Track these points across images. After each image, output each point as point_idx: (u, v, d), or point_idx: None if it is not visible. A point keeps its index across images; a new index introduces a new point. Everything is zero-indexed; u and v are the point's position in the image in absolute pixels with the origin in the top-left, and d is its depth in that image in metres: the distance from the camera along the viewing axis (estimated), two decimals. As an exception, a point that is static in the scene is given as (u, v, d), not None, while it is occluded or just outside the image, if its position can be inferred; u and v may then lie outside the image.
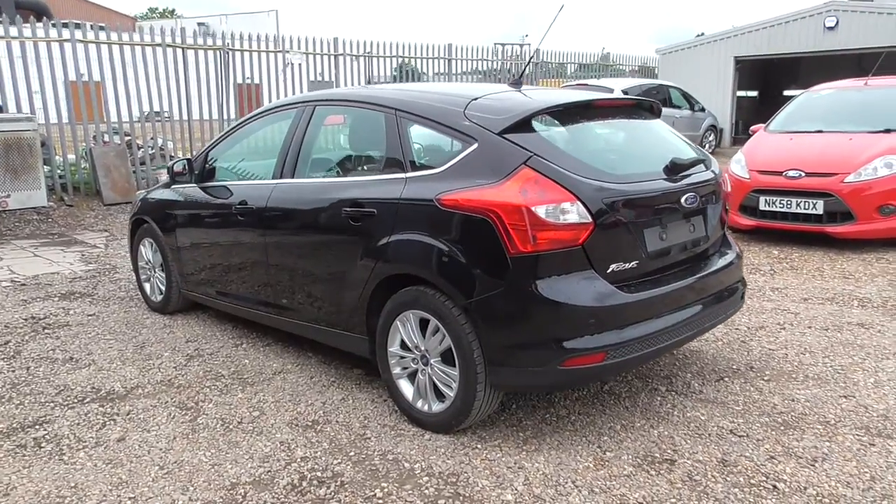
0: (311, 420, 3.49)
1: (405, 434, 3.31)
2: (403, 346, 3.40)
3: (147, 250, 5.29)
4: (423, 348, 3.29)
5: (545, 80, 17.36)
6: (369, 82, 13.67)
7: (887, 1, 16.01)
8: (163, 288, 5.18)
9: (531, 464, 2.97)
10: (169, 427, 3.44)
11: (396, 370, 3.45)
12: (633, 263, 3.12)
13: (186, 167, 4.65)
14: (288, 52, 12.47)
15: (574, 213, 2.90)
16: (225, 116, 11.91)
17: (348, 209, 3.51)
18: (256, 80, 11.92)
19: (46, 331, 4.92)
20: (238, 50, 11.90)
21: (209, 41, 11.67)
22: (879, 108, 7.38)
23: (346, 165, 3.97)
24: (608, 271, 3.02)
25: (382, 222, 3.35)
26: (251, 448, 3.20)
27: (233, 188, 4.38)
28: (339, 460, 3.07)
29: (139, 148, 11.20)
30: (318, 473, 2.96)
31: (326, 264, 3.71)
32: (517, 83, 3.78)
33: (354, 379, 3.98)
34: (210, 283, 4.72)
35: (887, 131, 6.96)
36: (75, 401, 3.77)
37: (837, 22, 15.87)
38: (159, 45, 10.90)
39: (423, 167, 3.34)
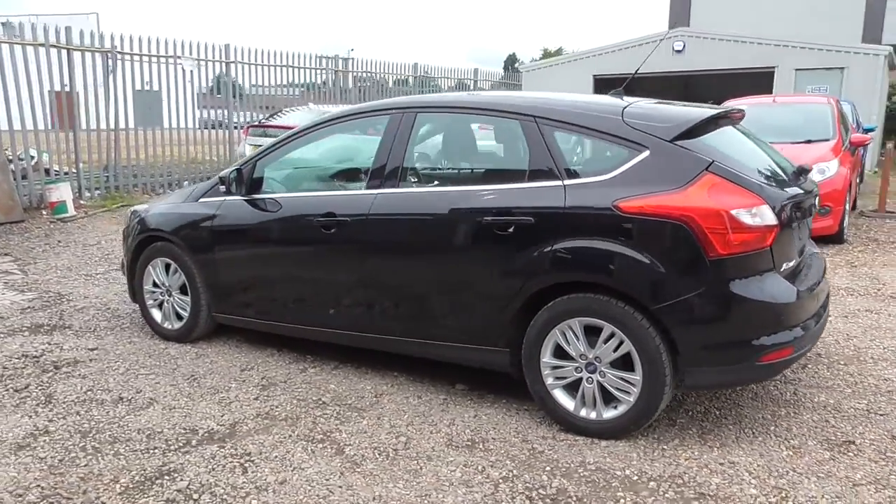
0: (468, 439, 3.34)
1: (575, 443, 3.27)
2: (559, 355, 3.36)
3: (159, 272, 4.72)
4: (590, 356, 3.27)
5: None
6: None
7: (726, 29, 18.07)
8: (185, 313, 4.65)
9: (738, 458, 3.08)
10: (322, 463, 3.13)
11: (550, 381, 3.40)
12: (794, 262, 3.34)
13: (235, 177, 4.23)
14: (180, 57, 11.62)
15: (765, 215, 3.05)
16: (120, 125, 10.84)
17: (493, 218, 3.41)
18: (156, 87, 10.99)
19: (61, 370, 4.23)
20: (128, 53, 10.88)
21: (97, 42, 10.56)
22: (792, 121, 8.35)
23: (472, 174, 3.84)
24: (782, 270, 3.21)
25: (542, 231, 3.30)
26: (439, 474, 3.01)
27: (309, 199, 4.07)
28: (545, 476, 2.98)
29: (9, 161, 9.86)
30: (542, 491, 2.86)
31: (457, 276, 3.57)
32: (619, 93, 3.88)
33: (465, 395, 3.85)
34: (260, 304, 4.33)
35: (808, 142, 7.89)
36: (182, 444, 3.30)
37: (684, 46, 17.63)
38: (42, 45, 9.70)
39: (582, 174, 3.33)
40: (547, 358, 3.38)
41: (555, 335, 3.34)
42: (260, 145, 10.35)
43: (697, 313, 3.04)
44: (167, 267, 4.69)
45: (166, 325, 4.78)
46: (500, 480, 2.96)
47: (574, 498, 2.81)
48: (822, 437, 3.29)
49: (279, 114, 11.86)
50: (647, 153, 3.19)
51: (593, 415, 3.32)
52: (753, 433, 3.34)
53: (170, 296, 4.73)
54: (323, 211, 3.93)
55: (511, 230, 3.37)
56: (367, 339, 3.98)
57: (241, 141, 11.58)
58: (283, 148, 4.30)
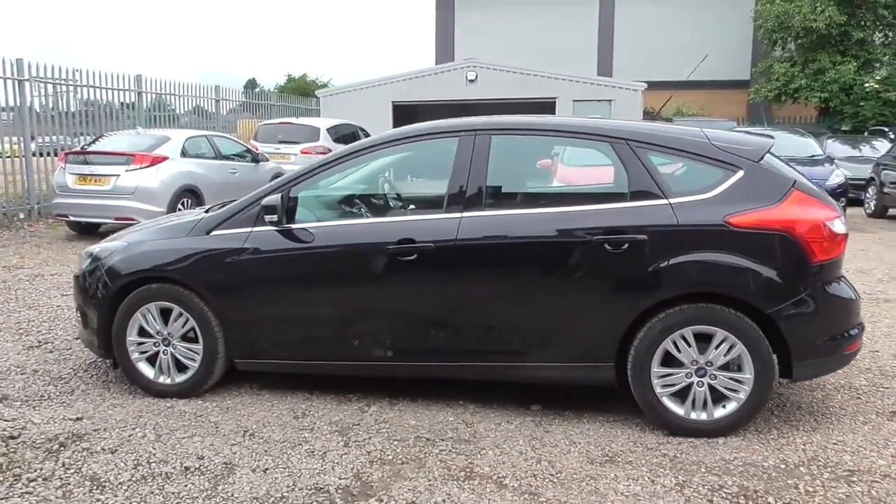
0: (602, 454, 3.42)
1: (696, 444, 3.51)
2: (669, 363, 3.59)
3: (152, 319, 4.04)
4: (701, 361, 3.55)
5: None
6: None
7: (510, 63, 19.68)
8: (192, 363, 4.04)
9: (840, 437, 3.56)
10: (497, 498, 2.99)
11: (659, 389, 3.60)
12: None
13: (280, 205, 3.82)
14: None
15: (841, 226, 3.59)
16: None
17: (604, 237, 3.54)
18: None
19: (70, 447, 3.44)
20: None
21: None
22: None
23: (562, 195, 3.89)
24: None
25: (656, 247, 3.51)
26: (617, 490, 3.07)
27: (375, 226, 3.84)
28: (711, 476, 3.17)
29: None
30: (726, 491, 3.05)
31: (565, 296, 3.63)
32: (653, 117, 4.25)
33: (546, 415, 3.89)
34: (305, 344, 3.94)
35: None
36: (333, 506, 2.93)
37: (477, 76, 18.89)
38: None
39: (682, 194, 3.60)
40: (656, 367, 3.58)
41: (666, 345, 3.55)
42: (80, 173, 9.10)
43: (806, 313, 3.47)
44: (163, 312, 4.03)
45: (162, 379, 4.09)
46: (677, 487, 3.09)
47: (758, 492, 3.04)
48: (875, 410, 3.91)
49: (101, 138, 10.49)
50: (741, 173, 3.57)
51: (704, 416, 3.58)
52: (826, 417, 3.84)
53: (167, 345, 4.06)
54: (396, 238, 3.72)
55: (625, 248, 3.52)
56: (447, 369, 3.85)
57: (58, 169, 10.02)
58: (323, 173, 3.97)
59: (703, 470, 3.24)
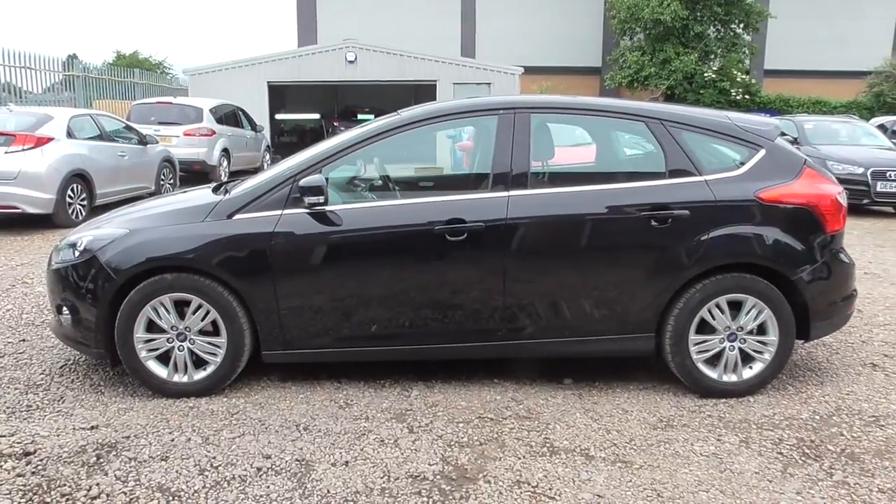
0: (659, 420, 3.57)
1: (731, 403, 3.76)
2: (704, 331, 3.82)
3: (165, 313, 3.68)
4: (733, 327, 3.81)
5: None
6: None
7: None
8: (214, 358, 3.73)
9: (848, 389, 3.95)
10: (591, 469, 3.07)
11: (695, 355, 3.83)
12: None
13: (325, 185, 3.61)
14: None
15: (845, 199, 3.97)
16: None
17: (651, 213, 3.69)
18: None
19: (109, 457, 3.08)
20: None
21: None
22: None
23: (603, 172, 3.95)
24: (840, 242, 4.18)
25: (697, 221, 3.71)
26: (700, 452, 3.23)
27: (421, 206, 3.73)
28: (767, 431, 3.43)
29: None
30: (788, 443, 3.32)
31: (613, 270, 3.75)
32: (655, 100, 4.47)
33: (582, 387, 3.98)
34: (345, 330, 3.77)
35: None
36: (439, 493, 2.86)
37: (356, 57, 18.56)
38: None
39: (714, 171, 3.82)
40: (693, 335, 3.80)
41: (703, 313, 3.78)
42: None
43: (822, 278, 3.81)
44: (178, 305, 3.69)
45: (177, 378, 3.75)
46: (743, 444, 3.31)
47: (815, 441, 3.33)
48: (858, 362, 4.38)
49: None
50: (763, 152, 3.85)
51: (734, 378, 3.85)
52: (823, 372, 4.25)
53: (182, 341, 3.73)
54: (446, 218, 3.65)
55: (669, 223, 3.69)
56: (499, 349, 3.84)
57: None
58: (356, 153, 3.80)
59: (753, 427, 3.49)
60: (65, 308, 3.80)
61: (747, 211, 3.74)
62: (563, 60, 28.84)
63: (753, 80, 25.91)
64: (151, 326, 3.71)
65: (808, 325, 3.83)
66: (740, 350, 3.82)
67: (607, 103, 4.07)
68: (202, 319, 3.70)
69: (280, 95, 20.80)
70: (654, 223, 3.69)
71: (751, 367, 3.85)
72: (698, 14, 25.20)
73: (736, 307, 3.79)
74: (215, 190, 4.20)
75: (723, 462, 3.13)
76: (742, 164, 3.84)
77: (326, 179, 3.68)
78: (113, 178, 9.99)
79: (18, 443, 3.20)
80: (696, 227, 3.70)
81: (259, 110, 18.35)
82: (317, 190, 3.55)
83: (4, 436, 3.28)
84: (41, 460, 3.05)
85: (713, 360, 3.83)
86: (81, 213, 9.13)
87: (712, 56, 25.72)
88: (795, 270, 3.75)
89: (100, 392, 3.88)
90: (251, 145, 16.10)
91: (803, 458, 3.17)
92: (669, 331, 3.78)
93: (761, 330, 3.81)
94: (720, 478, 2.99)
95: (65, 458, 3.07)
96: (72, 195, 9.01)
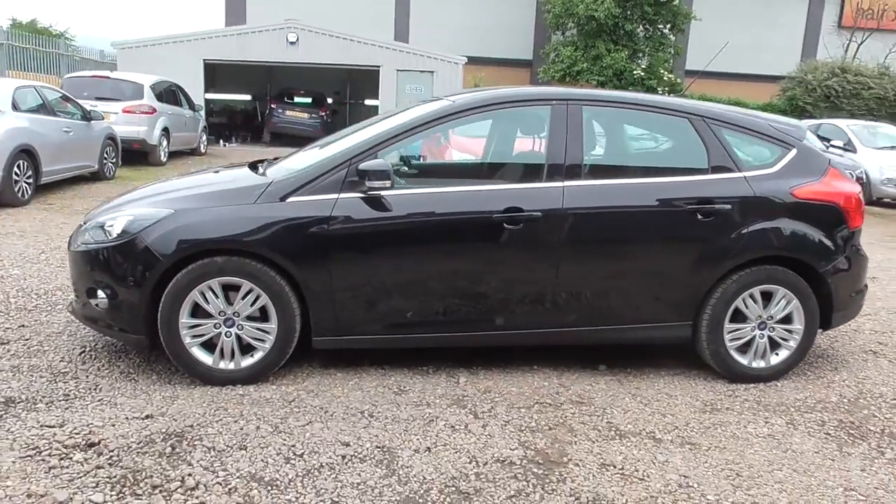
0: (705, 403, 3.74)
1: (764, 388, 3.98)
2: (737, 319, 4.02)
3: (213, 297, 3.55)
4: (764, 316, 4.03)
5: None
6: None
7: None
8: (264, 344, 3.63)
9: (865, 375, 4.23)
10: (665, 451, 3.20)
11: (729, 343, 4.02)
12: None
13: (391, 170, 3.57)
14: None
15: (862, 197, 4.25)
16: None
17: (697, 206, 3.84)
18: None
19: (183, 445, 2.97)
20: None
21: None
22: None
23: (650, 166, 4.05)
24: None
25: (738, 215, 3.89)
26: (757, 433, 3.42)
27: (479, 193, 3.76)
28: (817, 414, 3.66)
29: None
30: (840, 422, 3.55)
31: (660, 260, 3.88)
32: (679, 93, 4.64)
33: (618, 373, 4.10)
34: (398, 317, 3.75)
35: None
36: (535, 476, 2.92)
37: (298, 38, 18.12)
38: None
39: (751, 168, 4.01)
40: (727, 324, 3.99)
41: (738, 303, 3.97)
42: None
43: (845, 271, 4.07)
44: (226, 289, 3.57)
45: (224, 365, 3.63)
46: (791, 426, 3.52)
47: (854, 422, 3.58)
48: (859, 350, 4.71)
49: None
50: (795, 151, 4.07)
51: (763, 363, 4.07)
52: (833, 359, 4.53)
53: (229, 326, 3.61)
54: (503, 206, 3.68)
55: (712, 217, 3.86)
56: (538, 336, 3.91)
57: None
58: (410, 138, 3.77)
59: (792, 410, 3.71)
60: (100, 292, 3.60)
61: (782, 207, 3.94)
62: (494, 52, 29.05)
63: (679, 80, 26.98)
64: (195, 311, 3.57)
65: (830, 314, 4.09)
66: (769, 338, 4.04)
67: (654, 99, 4.20)
68: (252, 304, 3.59)
69: (211, 74, 20.04)
70: (699, 216, 3.84)
71: (777, 354, 4.08)
72: (629, 12, 26.01)
73: (766, 297, 3.99)
74: (253, 169, 4.07)
75: (781, 443, 3.32)
76: (776, 162, 4.04)
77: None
78: (58, 154, 9.39)
79: (77, 433, 3.03)
80: (737, 221, 3.88)
81: (194, 89, 17.64)
82: (383, 174, 3.50)
83: (55, 426, 3.09)
84: (112, 451, 2.90)
85: (744, 348, 4.03)
86: (27, 193, 8.56)
87: (640, 55, 26.63)
88: (823, 263, 3.99)
89: (133, 380, 3.69)
90: (190, 125, 15.49)
91: (851, 438, 3.40)
92: (706, 319, 3.95)
93: (787, 319, 4.03)
94: (786, 457, 3.18)
95: (136, 449, 2.93)
96: (18, 172, 8.42)
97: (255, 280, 3.55)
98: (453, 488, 2.80)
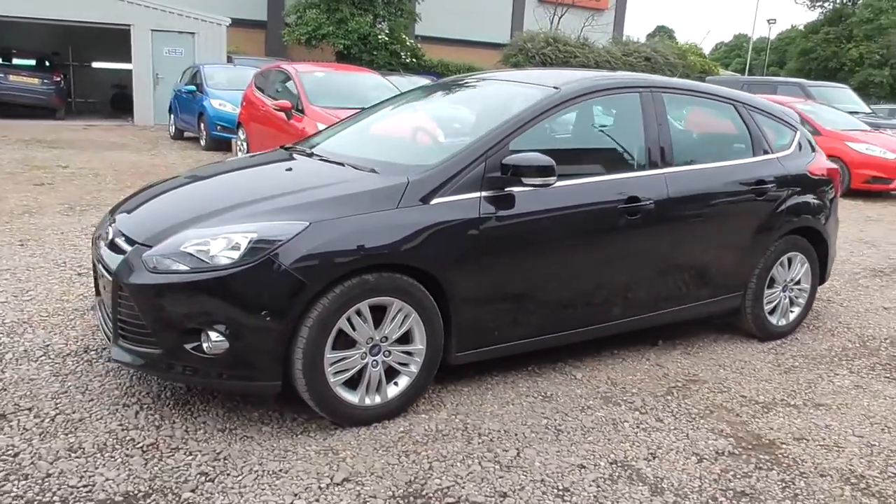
0: (774, 363, 4.16)
1: (798, 341, 4.54)
2: (771, 285, 4.50)
3: (360, 322, 2.99)
4: (787, 279, 4.56)
5: None
6: None
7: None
8: (411, 370, 3.16)
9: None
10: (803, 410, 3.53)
11: (767, 308, 4.48)
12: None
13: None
14: None
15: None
16: None
17: (755, 186, 4.19)
18: None
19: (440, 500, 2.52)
20: None
21: None
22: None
23: (709, 149, 4.20)
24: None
25: (779, 193, 4.33)
26: (843, 386, 3.91)
27: (604, 184, 3.66)
28: (859, 360, 4.26)
29: None
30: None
31: (732, 238, 4.16)
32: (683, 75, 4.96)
33: (678, 345, 4.35)
34: (536, 320, 3.54)
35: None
36: (748, 463, 3.04)
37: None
38: None
39: (776, 149, 4.46)
40: (766, 290, 4.45)
41: (773, 271, 4.45)
42: None
43: (833, 232, 4.76)
44: (370, 315, 3.04)
45: (369, 401, 3.10)
46: (851, 374, 4.06)
47: (882, 363, 4.26)
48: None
49: None
50: (799, 132, 4.62)
51: (784, 321, 4.58)
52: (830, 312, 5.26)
53: (375, 354, 3.09)
54: (626, 196, 3.64)
55: (763, 196, 4.24)
56: (637, 322, 3.96)
57: None
58: (533, 127, 3.51)
59: (836, 360, 4.28)
60: (211, 333, 2.81)
61: (803, 182, 4.46)
62: (226, 11, 27.17)
63: (418, 45, 27.86)
64: (338, 341, 2.99)
65: (825, 271, 4.76)
66: (789, 298, 4.59)
67: (704, 86, 4.41)
68: (400, 325, 3.10)
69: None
70: (755, 196, 4.19)
71: (792, 311, 4.65)
72: (369, -24, 26.01)
73: (788, 263, 4.52)
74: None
75: (874, 392, 3.83)
76: (791, 143, 4.55)
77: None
78: None
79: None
80: (779, 198, 4.31)
81: None
82: (546, 170, 3.21)
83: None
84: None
85: (772, 310, 4.52)
86: None
87: (381, 20, 26.89)
88: (825, 229, 4.62)
89: (226, 420, 2.98)
90: None
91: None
92: (752, 289, 4.35)
93: (800, 280, 4.61)
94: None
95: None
96: None
97: (406, 297, 3.07)
98: (723, 488, 2.78)
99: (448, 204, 3.16)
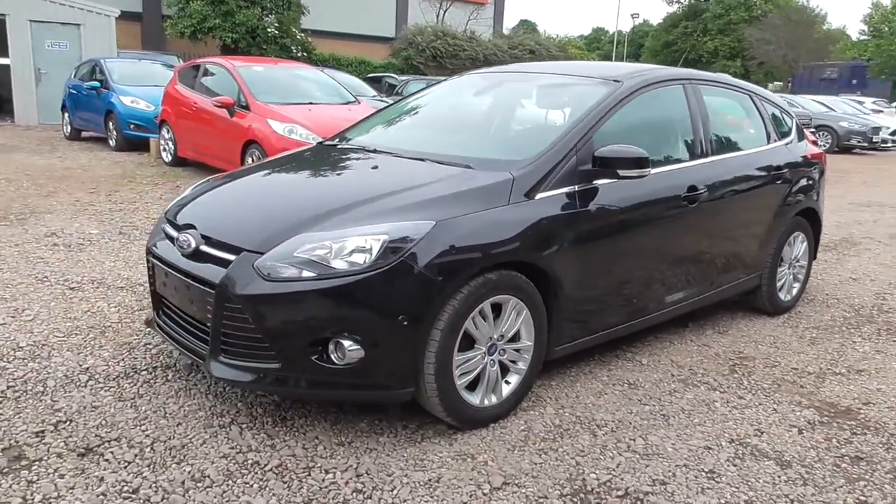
0: (798, 336, 4.47)
1: (806, 313, 4.89)
2: (782, 263, 4.82)
3: (481, 322, 2.95)
4: (791, 258, 4.90)
5: None
6: None
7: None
8: (521, 366, 3.14)
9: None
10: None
11: (778, 284, 4.80)
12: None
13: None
14: None
15: (815, 153, 5.37)
16: None
17: (775, 172, 4.47)
18: None
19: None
20: None
21: None
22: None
23: (738, 137, 4.39)
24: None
25: (790, 177, 4.64)
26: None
27: (673, 173, 3.80)
28: (872, 326, 4.64)
29: None
30: None
31: (760, 222, 4.41)
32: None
33: (708, 327, 4.58)
34: (623, 309, 3.63)
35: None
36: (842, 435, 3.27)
37: None
38: None
39: (781, 137, 4.77)
40: (778, 269, 4.76)
41: (783, 252, 4.76)
42: None
43: (821, 208, 5.15)
44: (493, 313, 2.99)
45: (488, 401, 3.05)
46: (867, 340, 4.43)
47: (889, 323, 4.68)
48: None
49: None
50: (794, 120, 4.97)
51: (789, 296, 4.92)
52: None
53: (492, 354, 3.04)
54: (687, 185, 3.78)
55: (780, 181, 4.53)
56: (685, 307, 4.11)
57: None
58: (614, 113, 3.55)
59: (845, 328, 4.64)
60: (345, 342, 2.66)
61: (804, 167, 4.80)
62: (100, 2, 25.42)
63: (308, 39, 27.18)
64: (462, 342, 2.91)
65: (817, 248, 5.15)
66: (793, 275, 4.93)
67: (728, 79, 4.61)
68: (514, 323, 3.07)
69: None
70: (776, 181, 4.47)
71: (794, 287, 4.99)
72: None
73: (791, 243, 4.85)
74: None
75: (894, 355, 4.20)
76: (790, 130, 4.87)
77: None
78: None
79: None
80: (791, 183, 4.61)
81: None
82: (640, 162, 3.26)
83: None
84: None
85: (780, 286, 4.85)
86: None
87: (268, 13, 26.00)
88: (819, 208, 5.00)
89: (329, 422, 2.85)
90: None
91: (904, 336, 4.48)
92: (768, 267, 4.64)
93: (800, 258, 4.96)
94: (923, 363, 4.07)
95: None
96: None
97: (520, 293, 3.04)
98: (838, 455, 2.97)
99: (551, 198, 3.15)
